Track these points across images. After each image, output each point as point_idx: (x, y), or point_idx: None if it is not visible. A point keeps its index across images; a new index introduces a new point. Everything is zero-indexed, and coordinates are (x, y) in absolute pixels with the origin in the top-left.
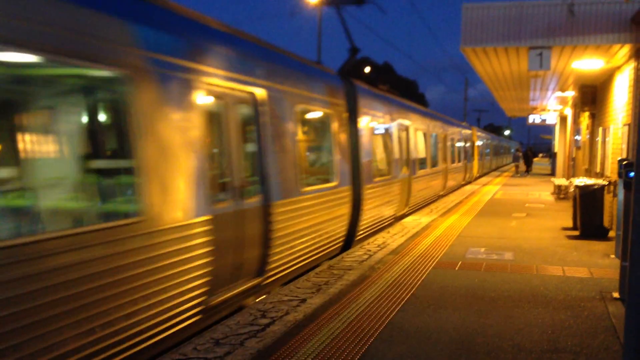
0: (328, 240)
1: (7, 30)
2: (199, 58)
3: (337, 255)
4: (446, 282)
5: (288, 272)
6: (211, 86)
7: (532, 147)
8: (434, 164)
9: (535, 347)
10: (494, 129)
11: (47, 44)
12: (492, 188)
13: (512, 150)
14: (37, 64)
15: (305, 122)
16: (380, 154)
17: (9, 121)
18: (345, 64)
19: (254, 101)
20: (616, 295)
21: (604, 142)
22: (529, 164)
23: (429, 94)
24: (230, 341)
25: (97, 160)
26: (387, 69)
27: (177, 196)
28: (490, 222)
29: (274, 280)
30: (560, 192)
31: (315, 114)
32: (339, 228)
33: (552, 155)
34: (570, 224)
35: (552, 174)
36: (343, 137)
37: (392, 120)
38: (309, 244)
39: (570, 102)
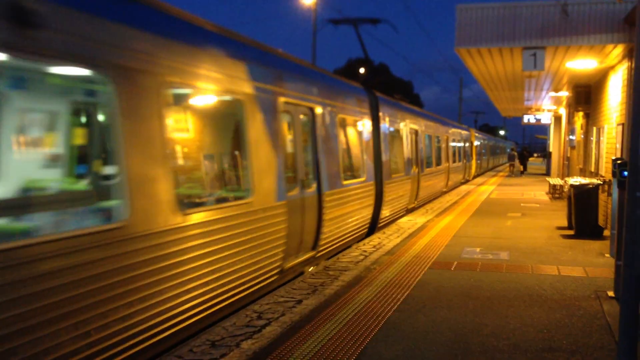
0: (358, 226)
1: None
2: (278, 83)
3: (363, 239)
4: (442, 282)
5: (332, 249)
6: (286, 104)
7: (527, 147)
8: (438, 163)
9: (531, 346)
10: (489, 130)
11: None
12: (487, 188)
13: (508, 150)
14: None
15: (343, 128)
16: (395, 154)
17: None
18: (368, 77)
19: (311, 113)
20: (611, 294)
21: (598, 141)
22: (524, 163)
23: (424, 94)
24: (226, 342)
25: (232, 161)
26: (383, 70)
27: (268, 185)
28: (486, 222)
29: (323, 254)
30: (555, 192)
31: (349, 122)
32: (366, 216)
33: (546, 155)
34: (565, 223)
35: (547, 173)
36: (369, 140)
37: (405, 124)
38: (346, 227)
39: (564, 102)
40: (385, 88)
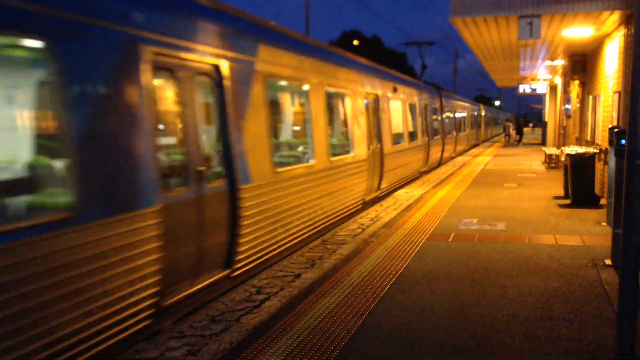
0: (435, 161)
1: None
2: (422, 95)
3: (434, 169)
4: (440, 254)
5: (432, 168)
6: (420, 103)
7: (523, 117)
8: (464, 130)
9: (530, 315)
10: (484, 100)
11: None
12: (483, 159)
13: (505, 122)
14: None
15: (432, 112)
16: (447, 124)
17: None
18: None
19: (425, 106)
20: (608, 262)
21: (594, 110)
22: (520, 132)
23: (418, 65)
24: (226, 318)
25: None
26: (376, 42)
27: (414, 136)
28: (483, 192)
29: (429, 169)
30: (551, 161)
31: (433, 109)
32: (437, 157)
33: (539, 125)
34: (561, 192)
35: (543, 143)
36: (439, 117)
37: (449, 106)
38: (433, 160)
39: (560, 71)
40: (377, 61)
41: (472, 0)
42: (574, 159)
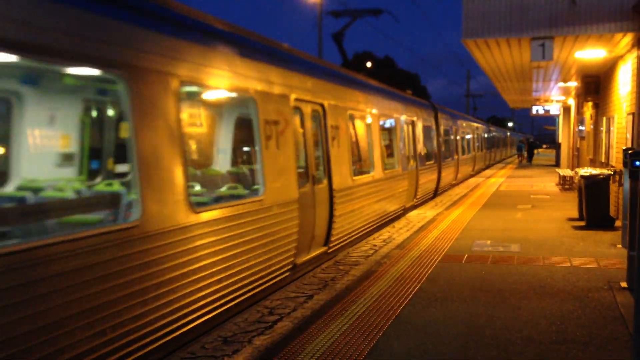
0: (468, 174)
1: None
2: (454, 123)
3: (469, 178)
4: (453, 276)
5: (493, 164)
6: (443, 127)
7: (531, 138)
8: (499, 147)
9: (544, 338)
10: (496, 121)
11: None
12: (496, 180)
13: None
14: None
15: (447, 132)
16: (487, 144)
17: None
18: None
19: (434, 125)
20: (624, 284)
21: (608, 131)
22: (531, 153)
23: (430, 86)
24: (238, 339)
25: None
26: (388, 63)
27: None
28: (496, 214)
29: (439, 190)
30: (565, 183)
31: (491, 133)
32: (469, 171)
33: (552, 147)
34: (576, 214)
35: (557, 164)
36: (459, 138)
37: (490, 132)
38: (455, 175)
39: (573, 93)
40: (390, 81)
41: (484, 22)
42: (588, 180)
